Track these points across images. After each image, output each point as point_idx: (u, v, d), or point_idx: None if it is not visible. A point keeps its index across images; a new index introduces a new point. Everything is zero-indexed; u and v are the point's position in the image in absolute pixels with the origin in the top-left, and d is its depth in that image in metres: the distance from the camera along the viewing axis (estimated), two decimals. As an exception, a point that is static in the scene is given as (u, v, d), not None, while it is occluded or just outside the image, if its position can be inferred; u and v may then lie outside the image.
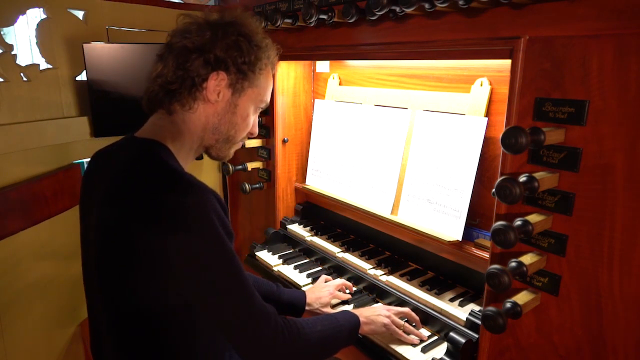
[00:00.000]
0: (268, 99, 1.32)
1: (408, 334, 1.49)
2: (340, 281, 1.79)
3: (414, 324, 1.55)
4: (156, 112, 1.23)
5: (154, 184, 1.04)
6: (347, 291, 1.78)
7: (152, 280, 1.03)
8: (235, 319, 1.11)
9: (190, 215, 1.00)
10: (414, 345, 1.47)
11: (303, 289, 1.84)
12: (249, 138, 1.37)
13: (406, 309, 1.56)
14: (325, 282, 1.80)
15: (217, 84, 1.17)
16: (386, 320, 1.46)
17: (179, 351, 1.11)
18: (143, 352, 1.11)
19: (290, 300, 1.65)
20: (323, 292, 1.69)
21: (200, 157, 2.53)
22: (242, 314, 1.11)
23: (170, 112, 1.19)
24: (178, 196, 1.00)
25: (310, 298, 1.67)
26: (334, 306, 1.72)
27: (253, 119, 1.31)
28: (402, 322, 1.51)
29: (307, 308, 1.66)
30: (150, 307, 1.06)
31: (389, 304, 1.71)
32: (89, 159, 1.29)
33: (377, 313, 1.49)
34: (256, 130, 1.35)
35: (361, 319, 1.44)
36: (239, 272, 1.10)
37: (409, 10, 1.33)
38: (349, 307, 1.70)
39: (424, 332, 1.55)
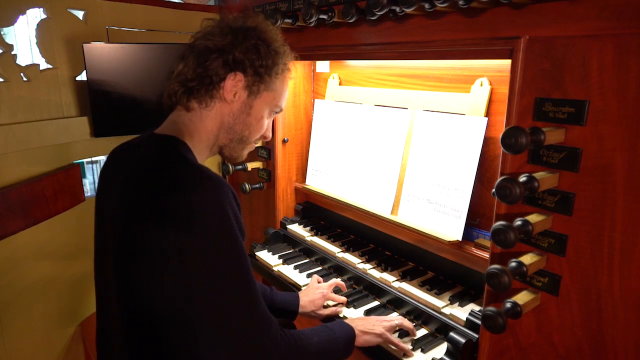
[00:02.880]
0: (283, 105, 1.36)
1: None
2: (333, 281, 1.79)
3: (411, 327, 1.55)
4: (175, 110, 1.26)
5: (175, 179, 1.06)
6: (342, 292, 1.77)
7: (164, 274, 1.04)
8: (237, 321, 1.10)
9: (208, 211, 1.02)
10: (408, 356, 1.45)
11: (302, 289, 1.84)
12: (262, 142, 1.38)
13: (399, 319, 1.54)
14: (318, 282, 1.80)
15: (234, 84, 1.21)
16: (381, 330, 1.45)
17: (180, 352, 1.10)
18: (149, 349, 1.11)
19: (284, 303, 1.65)
20: (316, 295, 1.69)
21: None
22: (245, 317, 1.11)
23: (188, 109, 1.23)
24: (197, 192, 1.02)
25: (303, 301, 1.67)
26: (331, 307, 1.71)
27: (267, 123, 1.35)
28: (395, 323, 1.50)
29: (300, 311, 1.65)
30: (158, 303, 1.06)
31: (389, 302, 1.71)
32: (89, 159, 1.29)
33: (371, 324, 1.48)
34: (269, 135, 1.39)
35: (356, 331, 1.43)
36: (248, 273, 1.11)
37: (409, 10, 1.33)
38: (347, 310, 1.71)
39: (423, 331, 1.55)
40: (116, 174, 1.20)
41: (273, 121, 2.20)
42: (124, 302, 1.12)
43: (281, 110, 1.37)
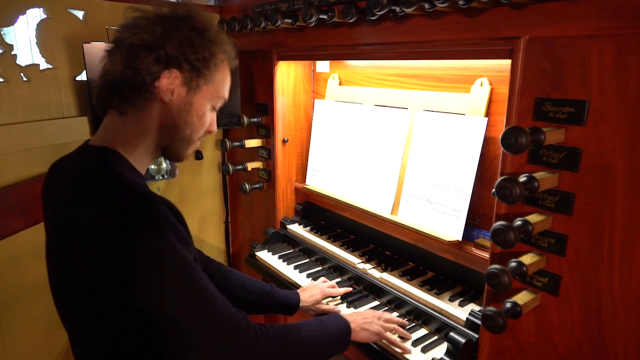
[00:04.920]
0: (226, 95, 1.25)
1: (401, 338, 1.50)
2: (330, 283, 1.81)
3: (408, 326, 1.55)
4: (108, 114, 1.16)
5: (102, 195, 1.02)
6: (342, 290, 1.79)
7: (104, 288, 1.00)
8: (199, 328, 1.05)
9: (138, 224, 0.96)
10: (407, 352, 1.45)
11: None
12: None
13: (393, 316, 1.54)
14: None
15: (170, 83, 1.10)
16: (379, 328, 1.45)
17: None
18: None
19: (285, 298, 1.66)
20: (314, 291, 1.72)
21: (200, 157, 2.54)
22: (206, 321, 1.07)
23: (122, 113, 1.12)
24: (126, 206, 0.98)
25: (303, 296, 1.69)
26: (330, 303, 1.74)
27: (210, 117, 1.24)
28: (392, 326, 1.50)
29: (301, 305, 1.67)
30: (107, 321, 1.03)
31: (389, 302, 1.71)
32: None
33: (369, 320, 1.47)
34: (214, 128, 1.27)
35: (353, 325, 1.41)
36: (195, 281, 1.05)
37: (408, 10, 1.33)
38: (348, 310, 1.71)
39: (423, 331, 1.55)
40: (53, 190, 1.16)
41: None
42: (75, 320, 1.10)
43: (225, 101, 1.25)
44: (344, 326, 1.40)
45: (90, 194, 1.03)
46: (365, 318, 1.48)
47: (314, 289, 1.73)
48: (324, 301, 1.73)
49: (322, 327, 1.34)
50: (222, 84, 1.21)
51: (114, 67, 1.10)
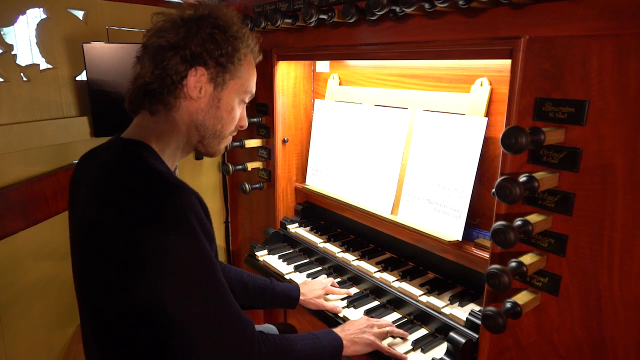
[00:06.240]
0: (253, 90, 1.29)
1: (395, 336, 1.50)
2: (331, 279, 1.83)
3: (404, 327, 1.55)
4: (140, 114, 1.21)
5: (134, 185, 1.02)
6: (343, 291, 1.79)
7: (128, 280, 1.01)
8: (209, 324, 1.06)
9: (169, 215, 0.98)
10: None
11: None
12: (239, 131, 1.34)
13: (389, 323, 1.53)
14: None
15: (197, 80, 1.15)
16: (370, 339, 1.44)
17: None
18: (122, 356, 1.09)
19: (285, 291, 1.67)
20: (316, 285, 1.74)
21: (200, 157, 2.54)
22: (217, 319, 1.07)
23: (153, 113, 1.17)
24: (157, 196, 0.99)
25: (303, 289, 1.70)
26: (332, 300, 1.75)
27: (240, 111, 1.28)
28: (385, 329, 1.49)
29: (301, 298, 1.68)
30: (126, 308, 1.04)
31: (389, 302, 1.71)
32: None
33: (362, 331, 1.46)
34: (245, 123, 1.31)
35: (344, 341, 1.41)
36: (214, 277, 1.07)
37: (409, 10, 1.33)
38: (347, 310, 1.71)
39: (424, 331, 1.56)
40: (82, 181, 1.17)
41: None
42: (94, 307, 1.10)
43: (252, 95, 1.29)
44: (337, 342, 1.40)
45: (119, 188, 1.04)
46: (357, 329, 1.46)
47: (315, 284, 1.74)
48: (328, 295, 1.74)
49: (317, 341, 1.35)
50: (248, 78, 1.25)
51: (143, 70, 1.15)
